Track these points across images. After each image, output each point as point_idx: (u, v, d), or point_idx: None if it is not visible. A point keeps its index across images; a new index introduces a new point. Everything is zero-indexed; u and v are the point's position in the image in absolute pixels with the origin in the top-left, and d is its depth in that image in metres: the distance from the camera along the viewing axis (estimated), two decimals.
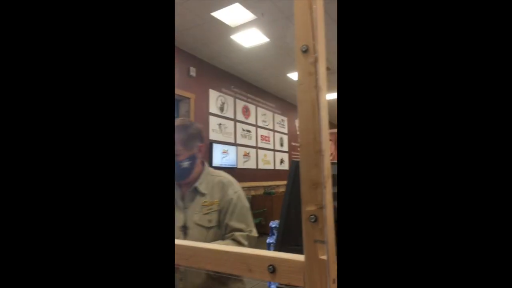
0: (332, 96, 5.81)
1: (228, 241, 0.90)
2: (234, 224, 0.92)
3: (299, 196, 0.53)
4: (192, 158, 0.95)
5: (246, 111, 4.95)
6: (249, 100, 5.03)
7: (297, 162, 0.51)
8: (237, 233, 0.90)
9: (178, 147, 0.92)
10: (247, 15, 3.02)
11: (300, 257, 0.29)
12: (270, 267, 0.30)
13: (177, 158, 0.92)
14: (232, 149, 4.33)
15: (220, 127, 4.29)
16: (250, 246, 0.90)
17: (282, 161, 5.91)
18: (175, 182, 0.97)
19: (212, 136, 4.13)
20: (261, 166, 5.23)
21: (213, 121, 4.18)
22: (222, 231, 0.94)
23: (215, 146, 4.03)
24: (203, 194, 0.95)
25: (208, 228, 0.93)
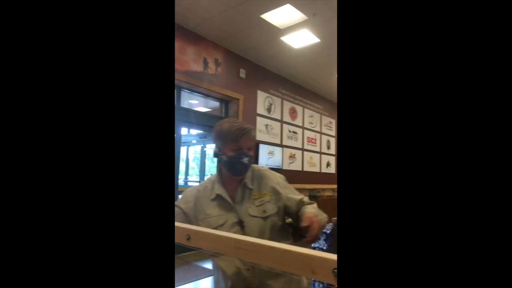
0: None
1: (308, 207, 1.00)
2: (295, 197, 1.05)
3: None
4: (252, 157, 1.08)
5: (293, 113, 4.93)
6: (296, 101, 5.00)
7: None
8: (305, 201, 1.03)
9: (254, 145, 1.03)
10: (298, 16, 3.00)
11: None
12: (335, 270, 0.29)
13: (250, 152, 1.03)
14: (278, 150, 4.34)
15: (267, 128, 4.33)
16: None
17: (328, 164, 5.75)
18: (233, 177, 1.05)
19: (259, 136, 4.18)
20: (307, 168, 5.16)
21: (260, 122, 4.24)
22: (280, 216, 1.03)
23: (261, 146, 4.08)
24: (250, 189, 1.04)
25: (265, 218, 1.01)
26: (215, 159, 1.11)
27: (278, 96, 4.60)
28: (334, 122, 5.97)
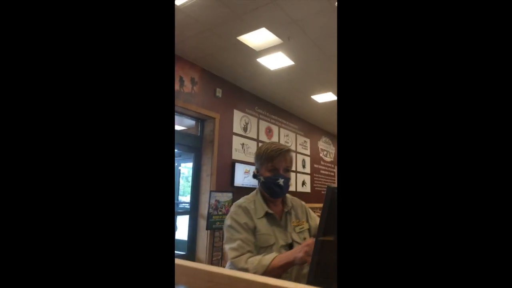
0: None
1: None
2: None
3: (334, 225, 0.51)
4: (289, 179, 1.08)
5: (269, 132, 4.98)
6: (272, 120, 5.06)
7: (334, 189, 0.49)
8: None
9: (292, 166, 1.07)
10: (273, 39, 3.10)
11: None
12: None
13: (286, 174, 1.04)
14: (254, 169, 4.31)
15: (243, 147, 4.32)
16: None
17: (304, 183, 5.80)
18: (276, 199, 1.05)
19: (235, 156, 4.16)
20: None
21: (236, 141, 4.23)
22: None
23: (237, 165, 4.05)
24: (291, 214, 1.06)
25: None
26: (189, 179, 1.09)
27: (254, 116, 4.65)
28: (309, 142, 6.09)
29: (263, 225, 0.97)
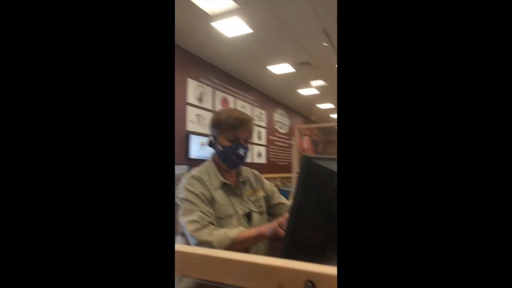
0: (309, 91, 5.86)
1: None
2: (282, 200, 1.09)
3: (311, 193, 0.49)
4: (249, 150, 1.02)
5: (225, 103, 4.86)
6: (228, 91, 4.93)
7: (310, 158, 0.47)
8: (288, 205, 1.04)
9: (249, 138, 0.99)
10: (229, 3, 2.91)
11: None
12: (309, 284, 0.25)
13: (246, 144, 0.97)
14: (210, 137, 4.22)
15: (198, 118, 4.17)
16: None
17: (259, 154, 5.90)
18: (233, 169, 1.00)
19: (190, 127, 4.00)
20: None
21: (191, 112, 4.05)
22: (265, 214, 1.03)
23: (192, 137, 3.91)
24: (245, 184, 1.03)
25: (261, 213, 1.01)
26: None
27: (209, 85, 4.46)
28: (265, 113, 6.12)
29: (220, 196, 0.93)
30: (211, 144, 0.98)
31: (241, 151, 0.95)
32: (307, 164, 0.46)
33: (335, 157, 0.62)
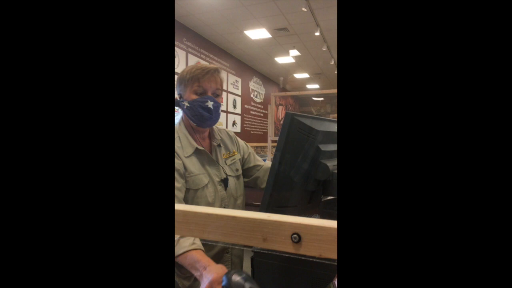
0: (285, 60, 5.76)
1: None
2: (258, 162, 1.04)
3: (292, 152, 0.48)
4: (220, 105, 0.91)
5: None
6: (202, 56, 4.71)
7: (292, 115, 0.44)
8: (264, 167, 1.01)
9: (221, 89, 0.89)
10: None
11: (332, 223, 0.24)
12: (295, 236, 0.24)
13: (217, 98, 0.88)
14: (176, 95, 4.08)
15: None
16: None
17: (234, 123, 5.85)
18: (204, 128, 0.91)
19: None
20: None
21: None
22: (241, 178, 0.99)
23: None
24: (220, 147, 0.96)
25: (237, 176, 0.96)
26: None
27: (182, 49, 4.22)
28: (240, 81, 5.98)
29: (193, 164, 0.85)
30: (177, 103, 0.87)
31: (210, 103, 0.83)
32: (290, 121, 0.44)
33: (319, 116, 0.61)
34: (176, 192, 0.80)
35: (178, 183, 0.81)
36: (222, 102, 0.91)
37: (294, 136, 0.45)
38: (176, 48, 4.09)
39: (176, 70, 4.07)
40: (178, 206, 0.29)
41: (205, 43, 4.73)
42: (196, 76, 0.85)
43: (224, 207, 0.89)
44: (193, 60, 4.46)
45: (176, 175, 0.82)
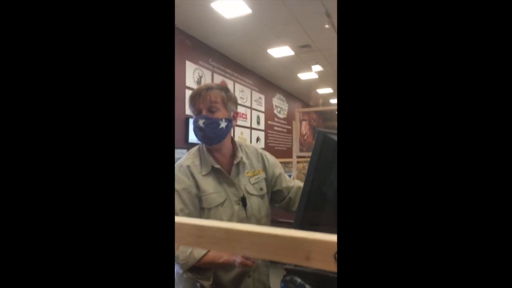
0: (308, 75, 5.79)
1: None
2: (289, 183, 0.99)
3: (324, 171, 0.48)
4: (229, 121, 0.89)
5: None
6: (227, 75, 4.86)
7: (324, 133, 0.45)
8: (295, 188, 0.98)
9: (217, 104, 0.87)
10: None
11: None
12: (336, 255, 0.24)
13: (213, 115, 0.86)
14: None
15: None
16: None
17: (258, 139, 5.89)
18: (210, 148, 0.90)
19: (189, 111, 3.96)
20: None
21: (189, 95, 4.00)
22: (268, 196, 0.97)
23: (191, 120, 3.88)
24: (244, 164, 0.93)
25: (261, 196, 0.93)
26: None
27: (208, 69, 4.39)
28: (263, 98, 6.06)
29: (209, 183, 0.86)
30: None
31: (200, 122, 0.84)
32: (322, 139, 0.44)
33: None
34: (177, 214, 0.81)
35: (180, 205, 0.83)
36: (226, 115, 0.89)
37: (327, 154, 0.45)
38: (202, 69, 4.25)
39: None
40: (218, 223, 0.30)
41: (229, 62, 4.88)
42: (191, 99, 0.89)
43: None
44: (218, 79, 4.61)
45: (181, 196, 0.83)
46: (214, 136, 0.86)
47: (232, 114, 0.92)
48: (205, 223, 0.30)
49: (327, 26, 3.46)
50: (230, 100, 0.91)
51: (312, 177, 0.44)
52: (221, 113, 0.87)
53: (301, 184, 0.99)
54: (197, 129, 0.87)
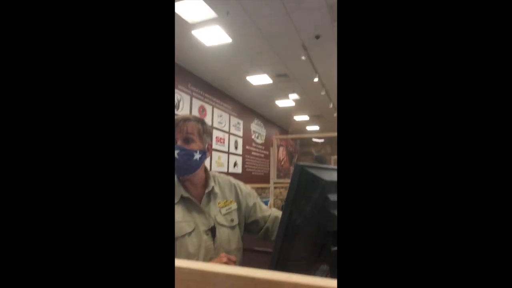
0: (285, 103, 5.97)
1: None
2: (266, 212, 1.00)
3: (302, 205, 0.48)
4: (203, 153, 0.91)
5: (202, 111, 4.80)
6: (206, 99, 4.89)
7: (302, 167, 0.46)
8: (272, 217, 0.98)
9: (193, 136, 0.89)
10: (209, 13, 2.92)
11: None
12: None
13: (189, 146, 0.88)
14: None
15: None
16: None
17: (235, 164, 5.86)
18: (182, 178, 0.91)
19: None
20: (215, 168, 5.11)
21: None
22: (241, 229, 0.97)
23: None
24: (216, 194, 0.94)
25: (232, 227, 0.93)
26: None
27: (187, 93, 4.40)
28: (242, 123, 6.12)
29: (178, 212, 0.86)
30: None
31: (175, 153, 0.86)
32: (299, 173, 0.45)
33: (329, 166, 0.62)
34: None
35: None
36: (201, 147, 0.91)
37: (304, 186, 0.46)
38: (181, 93, 4.26)
39: (179, 113, 4.19)
40: (193, 264, 0.29)
41: (208, 87, 4.94)
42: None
43: (210, 259, 0.84)
44: (197, 104, 4.62)
45: None
46: (188, 167, 0.88)
47: (206, 146, 0.94)
48: (179, 263, 0.29)
49: (303, 57, 3.64)
50: (206, 132, 0.94)
51: (290, 210, 0.44)
52: (196, 145, 0.89)
53: (278, 213, 0.99)
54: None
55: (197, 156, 0.88)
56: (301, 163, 0.45)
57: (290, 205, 0.44)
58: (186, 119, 0.90)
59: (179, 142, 0.87)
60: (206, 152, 0.93)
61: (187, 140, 0.88)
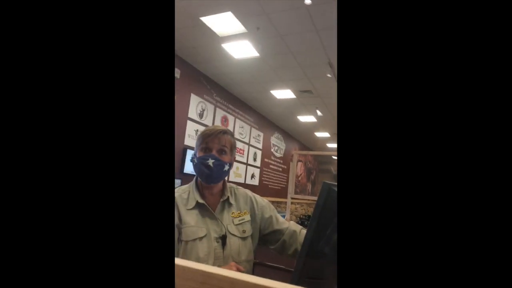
0: (307, 118, 5.95)
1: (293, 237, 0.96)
2: (284, 225, 0.99)
3: (328, 224, 0.49)
4: (230, 166, 0.96)
5: (224, 121, 4.89)
6: (229, 110, 4.98)
7: (330, 186, 0.46)
8: (289, 231, 0.97)
9: (227, 148, 0.94)
10: (238, 27, 3.01)
11: None
12: None
13: (222, 157, 0.92)
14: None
15: (197, 134, 4.17)
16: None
17: (253, 176, 5.86)
18: (203, 185, 0.95)
19: (188, 141, 3.99)
20: (232, 178, 5.14)
21: (190, 127, 4.06)
22: (254, 240, 0.97)
23: (189, 152, 3.89)
24: (230, 205, 0.96)
25: (243, 238, 0.93)
26: None
27: (211, 103, 4.51)
28: (262, 136, 6.15)
29: (192, 217, 0.89)
30: (191, 159, 0.96)
31: (210, 161, 0.88)
32: (327, 191, 0.45)
33: None
34: None
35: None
36: (230, 160, 0.95)
37: (330, 206, 0.46)
38: (206, 102, 4.37)
39: (202, 121, 4.29)
40: (205, 267, 0.31)
41: (232, 99, 5.03)
42: (204, 136, 0.93)
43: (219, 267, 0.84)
44: (220, 114, 4.72)
45: None
46: (218, 176, 0.92)
47: (233, 158, 0.99)
48: (210, 269, 0.30)
49: (328, 75, 3.65)
50: (234, 146, 0.99)
51: (315, 228, 0.45)
52: (227, 157, 0.94)
53: (296, 227, 0.99)
54: (203, 166, 0.90)
55: (226, 167, 0.93)
56: (328, 181, 0.45)
57: (315, 223, 0.44)
58: (224, 132, 0.95)
59: (214, 152, 0.91)
60: (232, 164, 0.97)
61: (221, 152, 0.93)
